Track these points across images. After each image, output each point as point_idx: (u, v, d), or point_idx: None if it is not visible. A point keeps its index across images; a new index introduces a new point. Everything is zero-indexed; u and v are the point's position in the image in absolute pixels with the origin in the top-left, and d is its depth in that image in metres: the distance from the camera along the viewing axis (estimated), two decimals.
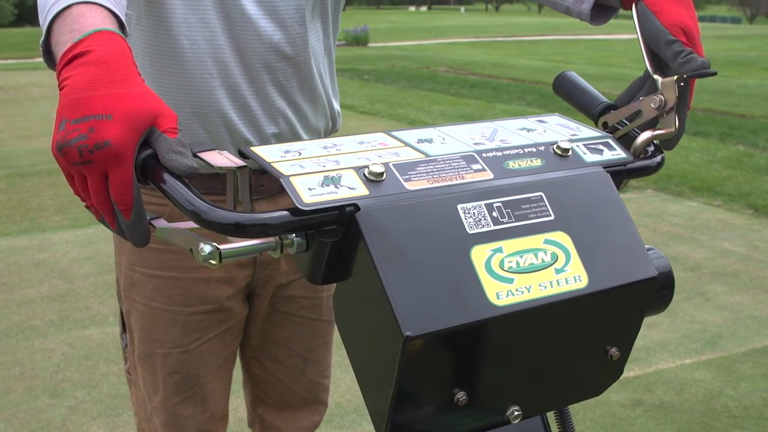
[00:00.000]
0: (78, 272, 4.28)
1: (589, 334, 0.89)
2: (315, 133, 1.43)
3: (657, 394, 3.02)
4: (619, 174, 0.95)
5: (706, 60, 0.98)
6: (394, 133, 0.93)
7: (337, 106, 1.48)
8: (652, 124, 1.01)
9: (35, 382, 3.09)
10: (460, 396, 0.82)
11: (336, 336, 3.64)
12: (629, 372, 3.19)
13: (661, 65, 1.03)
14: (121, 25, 0.86)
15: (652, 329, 3.60)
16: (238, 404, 2.78)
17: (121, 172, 0.75)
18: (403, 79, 14.28)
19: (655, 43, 1.02)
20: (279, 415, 1.63)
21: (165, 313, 1.39)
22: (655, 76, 1.00)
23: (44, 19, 0.87)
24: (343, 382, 3.02)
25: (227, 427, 1.60)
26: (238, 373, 1.61)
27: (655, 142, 1.01)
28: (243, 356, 1.61)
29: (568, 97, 1.12)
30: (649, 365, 3.26)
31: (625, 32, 26.51)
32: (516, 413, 0.87)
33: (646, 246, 0.91)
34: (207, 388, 1.47)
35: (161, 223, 0.84)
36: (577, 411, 2.87)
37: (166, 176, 0.77)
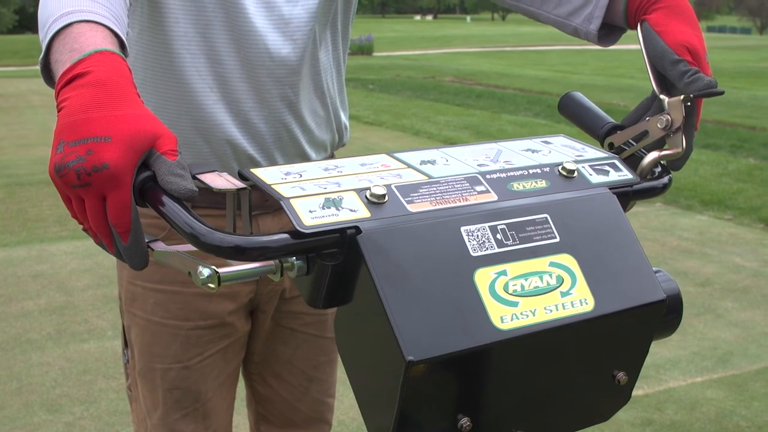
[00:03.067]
0: (77, 284, 4.25)
1: (595, 359, 0.87)
2: (320, 147, 1.41)
3: (667, 413, 2.96)
4: (626, 195, 0.93)
5: (713, 79, 0.97)
6: (396, 154, 0.92)
7: (344, 120, 1.47)
8: (658, 145, 1.00)
9: (32, 397, 3.05)
10: (464, 422, 0.80)
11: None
12: (639, 390, 3.13)
13: (667, 85, 1.01)
14: (121, 44, 0.86)
15: (663, 346, 3.53)
16: (239, 421, 2.73)
17: (119, 194, 0.75)
18: (408, 89, 14.28)
19: (660, 63, 1.00)
20: None
21: (165, 327, 1.38)
22: (662, 96, 0.99)
23: (44, 36, 0.86)
24: (346, 399, 2.97)
25: None
26: (241, 390, 1.59)
27: (662, 162, 1.00)
28: (246, 374, 1.59)
29: (574, 117, 1.11)
30: (659, 383, 3.20)
31: (633, 43, 26.45)
32: None
33: (654, 268, 0.90)
34: (209, 405, 1.45)
35: (159, 246, 0.83)
36: (585, 431, 2.81)
37: (165, 199, 0.76)
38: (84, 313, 3.86)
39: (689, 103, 0.96)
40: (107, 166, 0.73)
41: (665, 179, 0.99)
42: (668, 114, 0.97)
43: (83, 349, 3.46)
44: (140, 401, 1.46)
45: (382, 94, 13.66)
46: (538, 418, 0.87)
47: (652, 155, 0.98)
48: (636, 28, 1.08)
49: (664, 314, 0.90)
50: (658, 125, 0.97)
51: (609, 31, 1.19)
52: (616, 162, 0.96)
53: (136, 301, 1.39)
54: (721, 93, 0.95)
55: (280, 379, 1.55)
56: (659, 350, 3.49)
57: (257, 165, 1.30)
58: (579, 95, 1.12)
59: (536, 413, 0.87)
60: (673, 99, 0.97)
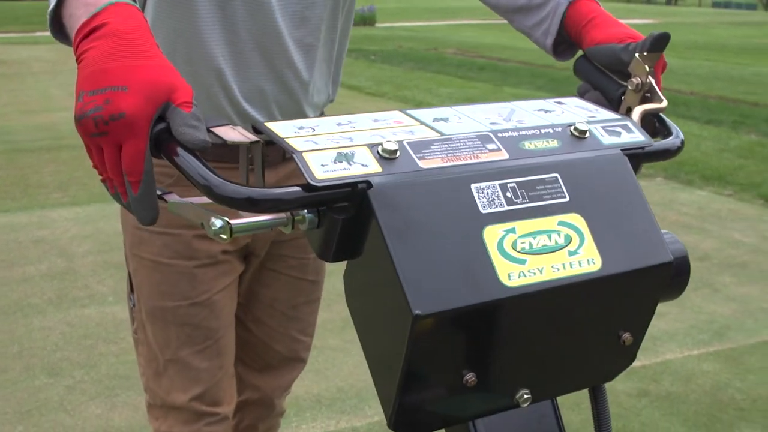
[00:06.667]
0: (77, 250, 4.26)
1: (601, 319, 0.87)
2: (317, 108, 1.46)
3: (663, 384, 2.99)
4: (637, 157, 0.92)
5: (654, 32, 1.04)
6: (409, 111, 0.92)
7: (338, 81, 1.53)
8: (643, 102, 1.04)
9: (33, 361, 3.07)
10: (470, 377, 0.81)
11: (338, 317, 3.59)
12: (636, 362, 3.14)
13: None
14: None
15: (660, 319, 3.55)
16: None
17: (134, 143, 0.76)
18: (411, 61, 14.20)
19: (616, 61, 1.07)
20: (257, 375, 1.67)
21: (173, 267, 1.42)
22: (631, 79, 1.03)
23: None
24: (345, 366, 3.00)
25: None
26: None
27: (669, 125, 1.02)
28: None
29: (589, 78, 1.12)
30: (656, 355, 3.22)
31: (638, 17, 26.34)
32: (525, 396, 0.86)
33: (663, 231, 0.90)
34: (221, 342, 1.49)
35: (173, 198, 0.85)
36: (582, 400, 2.83)
37: (180, 150, 0.77)
38: (84, 278, 3.87)
39: (649, 64, 1.01)
40: (124, 115, 0.75)
41: (678, 141, 0.99)
42: (637, 77, 1.02)
43: (84, 314, 3.48)
44: (150, 342, 1.48)
45: (384, 65, 13.59)
46: (542, 378, 0.88)
47: (638, 110, 1.00)
48: (578, 44, 1.17)
49: (672, 277, 0.90)
50: (630, 87, 1.03)
51: (568, 47, 1.25)
52: (629, 124, 0.95)
53: (143, 244, 1.43)
54: (667, 35, 1.01)
55: (259, 323, 1.59)
56: (656, 322, 3.51)
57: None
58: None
59: (541, 372, 0.87)
60: (633, 61, 1.02)
